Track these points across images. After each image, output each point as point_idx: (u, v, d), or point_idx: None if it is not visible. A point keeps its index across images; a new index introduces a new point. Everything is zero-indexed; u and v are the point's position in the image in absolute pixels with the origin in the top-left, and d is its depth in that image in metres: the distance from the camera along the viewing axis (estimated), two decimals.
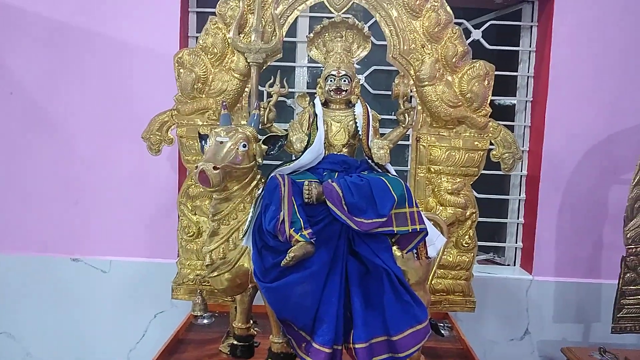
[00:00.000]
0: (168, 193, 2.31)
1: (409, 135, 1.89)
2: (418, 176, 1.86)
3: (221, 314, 2.09)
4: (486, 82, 1.76)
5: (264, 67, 1.78)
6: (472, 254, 1.86)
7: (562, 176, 2.25)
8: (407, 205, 1.48)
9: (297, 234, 1.37)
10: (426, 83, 1.76)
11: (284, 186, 1.43)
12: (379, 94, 2.39)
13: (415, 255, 1.54)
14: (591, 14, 2.19)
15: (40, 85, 2.30)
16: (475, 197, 2.02)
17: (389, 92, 1.71)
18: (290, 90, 1.77)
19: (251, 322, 1.74)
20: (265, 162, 1.52)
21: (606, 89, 2.21)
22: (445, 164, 1.82)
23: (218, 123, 1.64)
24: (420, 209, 1.54)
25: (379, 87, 2.38)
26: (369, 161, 1.62)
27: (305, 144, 1.59)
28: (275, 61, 1.80)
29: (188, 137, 1.83)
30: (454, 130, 1.81)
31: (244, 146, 1.45)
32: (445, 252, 1.80)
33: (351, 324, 1.44)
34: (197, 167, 1.39)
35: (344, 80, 1.63)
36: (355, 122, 1.64)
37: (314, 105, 1.67)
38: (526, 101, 2.40)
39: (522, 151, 2.39)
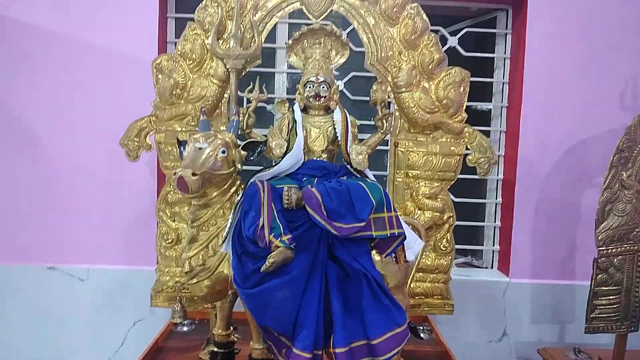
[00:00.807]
0: (146, 199, 2.29)
1: (387, 140, 1.91)
2: (396, 181, 1.88)
3: (201, 321, 2.08)
4: (462, 88, 1.80)
5: (243, 73, 1.78)
6: (450, 257, 1.89)
7: (536, 180, 2.30)
8: (385, 210, 1.49)
9: (277, 239, 1.38)
10: (403, 89, 1.78)
11: (264, 192, 1.43)
12: (358, 100, 2.42)
13: (394, 259, 1.56)
14: (563, 22, 2.26)
15: (14, 92, 2.26)
16: (453, 201, 2.06)
17: (368, 98, 1.74)
18: (270, 95, 1.78)
19: (231, 328, 1.74)
20: (244, 167, 1.52)
21: (578, 95, 2.28)
22: (422, 168, 1.85)
23: (197, 129, 1.63)
24: (398, 213, 1.56)
25: (358, 92, 2.41)
26: (348, 166, 1.63)
27: (285, 149, 1.60)
28: (254, 67, 1.81)
29: (167, 143, 1.82)
30: (431, 135, 1.84)
31: (223, 152, 1.45)
32: (423, 256, 1.83)
33: (331, 329, 1.45)
34: (175, 173, 1.38)
35: (323, 87, 1.64)
36: (334, 128, 1.66)
37: (293, 111, 1.68)
38: (501, 107, 2.45)
39: (498, 156, 2.44)
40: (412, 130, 1.85)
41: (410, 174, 1.86)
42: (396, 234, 1.49)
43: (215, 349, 1.71)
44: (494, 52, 2.47)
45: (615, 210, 1.69)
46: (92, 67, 2.25)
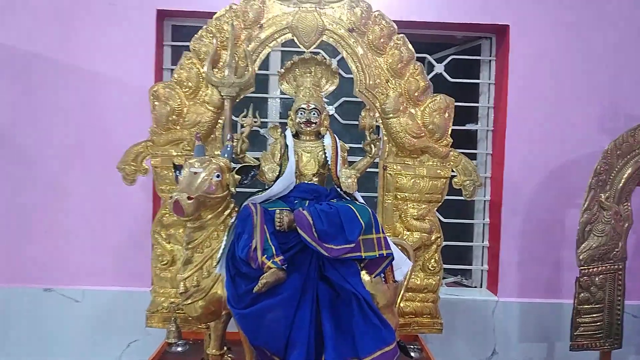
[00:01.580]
0: (141, 222, 2.34)
1: (377, 163, 1.99)
2: (385, 203, 1.95)
3: (195, 342, 2.10)
4: (446, 114, 1.88)
5: (237, 100, 1.86)
6: (439, 277, 1.95)
7: (522, 201, 2.38)
8: (374, 231, 1.56)
9: (269, 260, 1.43)
10: (391, 115, 1.87)
11: (256, 214, 1.49)
12: (349, 124, 2.49)
13: (383, 279, 1.62)
14: (544, 49, 2.36)
15: (14, 116, 2.31)
16: (442, 221, 2.12)
17: (358, 123, 1.81)
18: (262, 120, 1.85)
19: (225, 348, 1.76)
20: (238, 190, 1.58)
21: (560, 119, 2.37)
22: (410, 191, 1.92)
23: (192, 154, 1.70)
24: (387, 234, 1.62)
25: (348, 117, 2.49)
26: (338, 189, 1.70)
27: (277, 173, 1.66)
28: (248, 94, 1.88)
29: (162, 167, 1.88)
30: (418, 159, 1.92)
31: (218, 176, 1.51)
32: (412, 276, 1.88)
33: (322, 348, 1.49)
34: (171, 196, 1.44)
35: (314, 114, 1.72)
36: (325, 153, 1.73)
37: (285, 136, 1.75)
38: (487, 130, 2.54)
39: (485, 178, 2.51)
40: (400, 154, 1.92)
41: (398, 196, 1.93)
42: (384, 254, 1.55)
43: None
44: (479, 78, 2.57)
45: (595, 231, 1.76)
46: (90, 93, 2.32)
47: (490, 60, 2.53)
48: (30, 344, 2.35)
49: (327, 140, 1.74)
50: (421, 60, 2.48)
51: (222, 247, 1.55)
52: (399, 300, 1.74)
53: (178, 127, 1.86)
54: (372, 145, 1.76)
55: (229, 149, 1.64)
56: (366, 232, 1.53)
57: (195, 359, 1.91)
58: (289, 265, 1.47)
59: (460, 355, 2.40)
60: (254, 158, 1.78)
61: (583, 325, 1.78)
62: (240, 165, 1.62)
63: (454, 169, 1.92)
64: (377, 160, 1.87)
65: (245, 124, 1.75)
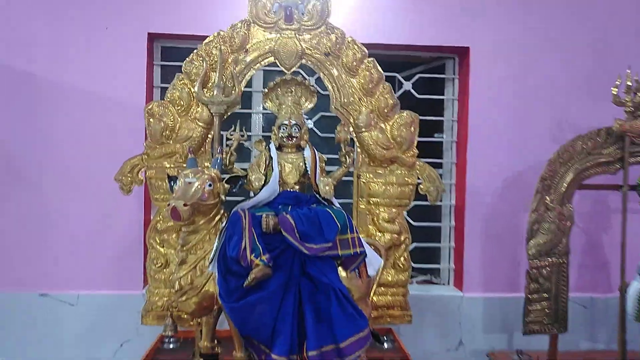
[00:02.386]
0: (133, 229, 2.50)
1: (352, 172, 2.20)
2: (360, 207, 2.17)
3: (185, 339, 2.26)
4: (412, 128, 2.12)
5: (225, 117, 2.06)
6: (407, 273, 2.17)
7: (483, 206, 2.63)
8: (349, 232, 1.77)
9: (257, 259, 1.63)
10: (363, 130, 2.09)
11: (245, 219, 1.69)
12: (326, 137, 2.71)
13: (358, 274, 1.83)
14: (501, 68, 2.63)
15: (14, 133, 2.47)
16: (413, 225, 2.34)
17: (334, 136, 2.03)
18: (247, 133, 2.06)
19: (216, 341, 1.95)
20: (227, 198, 1.77)
21: (515, 130, 2.63)
22: (381, 196, 2.14)
23: (184, 166, 1.89)
24: (361, 235, 1.84)
25: (326, 130, 2.71)
26: (317, 196, 1.91)
27: (263, 182, 1.87)
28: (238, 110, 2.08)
29: (157, 178, 2.06)
30: (388, 168, 2.14)
31: (210, 185, 1.71)
32: (384, 273, 2.10)
33: (304, 336, 1.69)
34: (169, 204, 1.63)
35: (295, 129, 1.93)
36: (305, 164, 1.94)
37: (269, 149, 1.96)
38: (451, 141, 2.79)
39: (450, 184, 2.76)
40: (371, 164, 2.14)
41: (371, 201, 2.15)
42: (358, 252, 1.77)
43: None
44: (444, 94, 2.83)
45: (541, 229, 2.01)
46: (85, 110, 2.48)
47: (453, 78, 2.79)
48: (26, 347, 2.47)
49: (307, 152, 1.95)
50: (391, 78, 2.73)
51: (214, 248, 1.73)
52: (372, 294, 1.96)
53: (171, 142, 2.05)
54: (347, 157, 1.98)
55: (218, 161, 1.84)
56: (342, 233, 1.75)
57: (186, 354, 2.07)
58: (274, 263, 1.67)
59: (430, 346, 2.62)
60: (241, 169, 1.98)
61: (534, 312, 2.02)
62: (229, 175, 1.82)
63: (420, 177, 2.15)
64: (351, 169, 2.08)
65: (233, 139, 1.95)
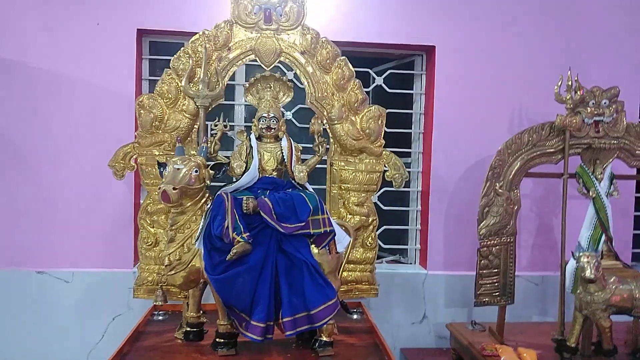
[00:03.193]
0: (124, 211, 2.70)
1: (325, 161, 2.42)
2: (332, 192, 2.40)
3: (173, 312, 2.48)
4: (380, 121, 2.34)
5: (210, 109, 2.26)
6: (375, 252, 2.41)
7: (445, 191, 2.88)
8: (320, 213, 2.00)
9: (239, 236, 1.85)
10: (336, 122, 2.31)
11: (228, 201, 1.90)
12: (303, 127, 2.92)
13: (328, 251, 2.06)
14: (463, 64, 2.86)
15: (11, 121, 2.64)
16: (383, 209, 2.54)
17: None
18: (230, 124, 2.25)
19: (201, 312, 2.17)
20: (212, 183, 1.98)
21: (476, 122, 2.88)
22: (352, 183, 2.37)
23: (173, 153, 2.10)
24: (333, 217, 2.07)
25: (303, 121, 2.92)
26: (293, 181, 2.13)
27: (244, 169, 2.08)
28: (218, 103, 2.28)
29: (147, 164, 2.25)
30: (358, 157, 2.37)
31: (196, 171, 1.91)
32: (353, 251, 2.34)
33: (280, 305, 1.92)
34: (159, 188, 1.83)
35: (273, 121, 2.14)
36: (282, 153, 2.15)
37: (250, 139, 2.17)
38: (419, 132, 3.03)
39: (418, 172, 3.01)
40: (343, 153, 2.37)
41: (342, 187, 2.38)
42: (328, 231, 2.00)
43: (188, 329, 2.14)
44: (413, 89, 3.06)
45: (491, 212, 2.26)
46: (79, 100, 2.66)
47: (421, 74, 3.02)
48: (25, 321, 2.67)
49: (284, 142, 2.16)
50: (364, 73, 2.95)
51: (200, 227, 1.94)
52: (341, 269, 2.20)
53: (160, 132, 2.24)
54: (320, 146, 2.20)
55: (204, 149, 2.05)
56: (314, 214, 1.98)
57: (174, 325, 2.29)
58: (254, 240, 1.89)
59: (397, 319, 2.88)
60: (225, 157, 2.19)
61: (484, 286, 2.28)
62: (213, 162, 2.02)
63: (386, 165, 2.38)
64: (324, 158, 2.30)
65: (217, 129, 2.16)
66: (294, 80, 2.58)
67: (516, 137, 2.28)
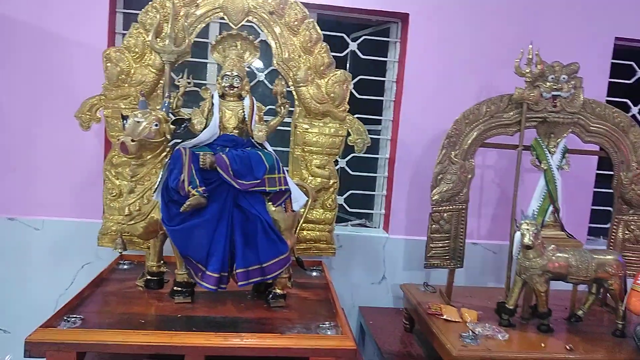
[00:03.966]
0: (94, 163, 2.75)
1: (289, 122, 2.47)
2: (295, 154, 2.46)
3: (137, 262, 2.57)
4: (345, 86, 2.39)
5: (176, 64, 2.28)
6: (334, 213, 2.51)
7: (411, 159, 2.95)
8: (276, 172, 2.07)
9: (194, 190, 1.92)
10: (301, 85, 2.35)
11: (186, 155, 1.96)
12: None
13: (284, 209, 2.14)
14: (436, 34, 2.88)
15: None
16: (350, 173, 2.58)
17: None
18: (202, 82, 2.27)
19: (162, 262, 2.26)
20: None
21: (445, 93, 2.91)
22: (315, 145, 2.43)
23: (137, 107, 2.14)
24: (294, 178, 2.13)
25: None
26: (253, 140, 2.19)
27: (203, 126, 2.13)
28: (187, 59, 2.30)
29: (113, 117, 2.30)
30: (322, 120, 2.43)
31: (156, 125, 1.96)
32: (314, 211, 2.43)
33: (234, 257, 2.01)
34: (118, 139, 1.89)
35: (236, 80, 2.17)
36: (244, 111, 2.20)
37: (212, 96, 2.21)
38: (391, 101, 3.07)
39: (387, 140, 3.07)
40: (307, 116, 2.42)
41: (305, 149, 2.45)
42: (283, 189, 2.07)
43: (149, 277, 2.24)
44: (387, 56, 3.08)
45: (445, 180, 2.33)
46: (51, 52, 2.66)
47: (396, 42, 3.04)
48: None
49: (247, 101, 2.20)
50: (340, 38, 2.96)
51: (159, 180, 2.01)
52: (298, 227, 2.28)
53: (126, 85, 2.28)
54: (282, 107, 2.24)
55: (166, 104, 2.09)
56: (270, 173, 2.04)
57: (137, 274, 2.38)
58: (211, 195, 1.96)
59: (357, 280, 3.00)
60: (187, 113, 2.23)
61: (434, 249, 2.38)
62: (175, 117, 2.07)
63: (349, 130, 2.44)
64: (288, 119, 2.36)
65: (180, 85, 2.19)
66: (270, 40, 2.59)
67: (474, 107, 2.34)
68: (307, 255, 2.53)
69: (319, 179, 2.44)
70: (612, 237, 2.49)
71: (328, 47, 2.37)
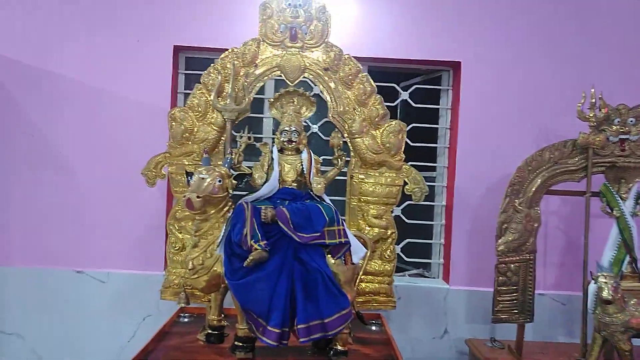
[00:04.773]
0: (156, 217, 2.85)
1: (346, 173, 2.48)
2: (352, 204, 2.45)
3: (198, 315, 2.60)
4: (400, 135, 2.39)
5: (236, 122, 2.37)
6: (393, 264, 2.45)
7: (470, 206, 2.88)
8: (336, 224, 2.07)
9: (256, 243, 1.94)
10: (356, 136, 2.38)
11: (248, 210, 2.00)
12: (328, 140, 2.99)
13: (343, 261, 2.12)
14: (489, 80, 2.87)
15: (54, 129, 2.86)
16: (406, 222, 2.55)
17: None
18: (258, 135, 2.34)
19: (223, 315, 2.27)
20: (235, 192, 2.09)
21: (501, 138, 2.86)
22: (371, 195, 2.42)
23: (201, 163, 2.22)
24: (351, 228, 2.12)
25: (328, 134, 2.98)
26: (311, 192, 2.21)
27: (264, 180, 2.18)
28: (245, 116, 2.39)
29: (177, 173, 2.39)
30: (378, 170, 2.42)
31: (220, 181, 2.02)
32: (371, 263, 2.39)
33: (295, 312, 1.99)
34: (184, 196, 1.95)
35: (294, 135, 2.23)
36: (302, 165, 2.23)
37: (272, 151, 2.26)
38: (444, 147, 3.04)
39: (442, 187, 3.02)
40: (363, 167, 2.43)
41: (362, 199, 2.44)
42: (343, 242, 2.06)
43: (210, 332, 2.24)
44: (439, 104, 3.09)
45: (510, 229, 2.25)
46: (117, 113, 2.85)
47: (448, 89, 3.05)
48: (61, 317, 2.85)
49: (304, 154, 2.25)
50: (391, 88, 3.01)
51: (222, 234, 2.04)
52: (357, 280, 2.24)
53: (190, 143, 2.38)
54: (339, 159, 2.27)
55: (228, 160, 2.16)
56: (330, 225, 2.04)
57: (197, 327, 2.39)
58: (272, 249, 1.97)
59: (417, 334, 2.89)
60: (248, 167, 2.30)
61: (502, 303, 2.27)
62: (237, 173, 2.13)
63: (406, 179, 2.42)
64: (344, 170, 2.37)
65: (241, 142, 2.27)
66: (321, 94, 2.66)
67: (537, 154, 2.28)
68: (365, 309, 2.47)
69: (376, 230, 2.42)
70: None
71: (382, 98, 2.40)
